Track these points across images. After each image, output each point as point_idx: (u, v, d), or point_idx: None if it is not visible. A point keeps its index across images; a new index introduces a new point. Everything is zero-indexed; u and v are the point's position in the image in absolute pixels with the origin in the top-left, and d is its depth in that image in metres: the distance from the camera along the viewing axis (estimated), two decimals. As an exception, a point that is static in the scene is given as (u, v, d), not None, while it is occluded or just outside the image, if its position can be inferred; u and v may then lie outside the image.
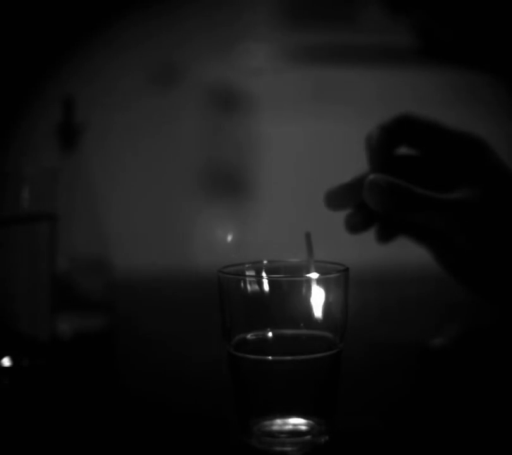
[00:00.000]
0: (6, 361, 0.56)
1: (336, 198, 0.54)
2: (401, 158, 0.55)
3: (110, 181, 1.85)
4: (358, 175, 0.53)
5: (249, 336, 0.44)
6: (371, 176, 0.50)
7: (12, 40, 1.89)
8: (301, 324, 0.44)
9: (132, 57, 2.01)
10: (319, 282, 0.43)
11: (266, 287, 0.43)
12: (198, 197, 2.06)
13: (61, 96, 0.72)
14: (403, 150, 0.56)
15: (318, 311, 0.44)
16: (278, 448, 0.43)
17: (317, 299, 0.43)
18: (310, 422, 0.44)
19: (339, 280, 0.44)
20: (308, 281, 0.43)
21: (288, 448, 0.43)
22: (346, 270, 0.45)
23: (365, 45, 2.02)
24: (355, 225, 0.54)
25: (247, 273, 0.46)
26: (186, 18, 2.01)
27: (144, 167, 2.04)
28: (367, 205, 0.51)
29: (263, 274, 0.46)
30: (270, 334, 0.44)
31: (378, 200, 0.49)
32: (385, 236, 0.57)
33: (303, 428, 0.44)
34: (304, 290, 0.43)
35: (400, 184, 0.49)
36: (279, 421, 0.44)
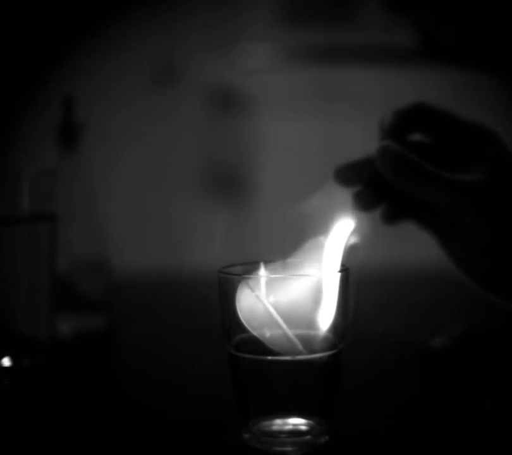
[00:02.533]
0: (6, 361, 0.56)
1: (345, 175, 0.55)
2: (412, 144, 0.55)
3: (110, 181, 1.86)
4: (368, 154, 0.54)
5: (249, 336, 0.44)
6: (384, 142, 0.50)
7: (12, 40, 1.89)
8: (301, 324, 0.44)
9: (131, 57, 2.01)
10: (319, 282, 0.43)
11: (266, 287, 0.43)
12: (198, 197, 2.05)
13: (61, 96, 0.72)
14: (416, 138, 0.56)
15: (318, 311, 0.44)
16: (278, 448, 0.43)
17: (317, 299, 0.43)
18: (310, 422, 0.44)
19: (339, 280, 0.44)
20: (308, 281, 0.43)
21: (288, 448, 0.43)
22: (346, 270, 0.45)
23: (365, 45, 2.02)
24: (362, 203, 0.55)
25: (247, 273, 0.46)
26: (185, 18, 2.01)
27: (143, 167, 2.04)
28: (376, 184, 0.52)
29: (263, 274, 0.46)
30: (270, 334, 0.44)
31: (388, 165, 0.50)
32: (392, 217, 0.57)
33: (303, 428, 0.44)
34: (304, 290, 0.43)
35: (410, 154, 0.50)
36: (279, 421, 0.44)
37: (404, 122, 0.55)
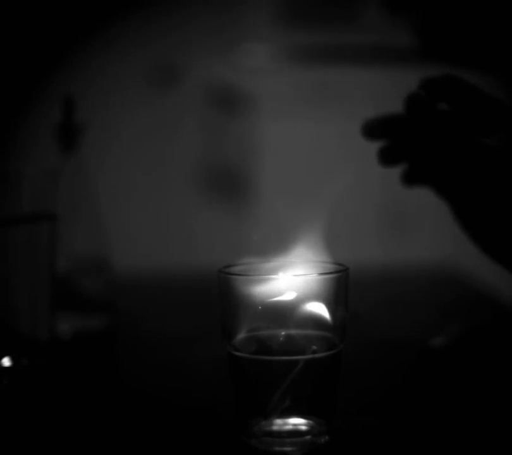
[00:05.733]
0: (6, 361, 0.56)
1: (372, 128, 0.57)
2: (437, 112, 0.56)
3: (110, 181, 1.86)
4: (396, 111, 0.56)
5: (249, 336, 0.44)
6: (413, 91, 0.53)
7: (13, 41, 1.89)
8: (302, 324, 0.44)
9: (133, 58, 2.01)
10: (319, 282, 0.43)
11: (266, 287, 0.43)
12: (198, 197, 2.06)
13: (61, 96, 0.72)
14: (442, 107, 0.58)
15: (318, 311, 0.44)
16: (278, 448, 0.43)
17: (317, 299, 0.43)
18: (310, 422, 0.44)
19: (339, 280, 0.44)
20: (308, 281, 0.43)
21: (288, 449, 0.43)
22: (346, 270, 0.45)
23: (364, 45, 2.02)
24: (386, 158, 0.57)
25: (247, 273, 0.46)
26: (187, 19, 2.01)
27: (144, 167, 2.04)
28: (401, 141, 0.55)
29: (263, 274, 0.46)
30: (269, 334, 0.44)
31: (415, 108, 0.53)
32: (411, 178, 0.59)
33: (303, 428, 0.44)
34: (304, 290, 0.43)
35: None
36: (279, 421, 0.44)
37: (433, 90, 0.56)
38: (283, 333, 0.44)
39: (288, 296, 0.43)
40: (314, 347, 0.43)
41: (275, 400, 0.43)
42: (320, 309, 0.44)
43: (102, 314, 0.72)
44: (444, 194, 0.59)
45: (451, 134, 0.54)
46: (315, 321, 0.44)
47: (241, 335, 0.44)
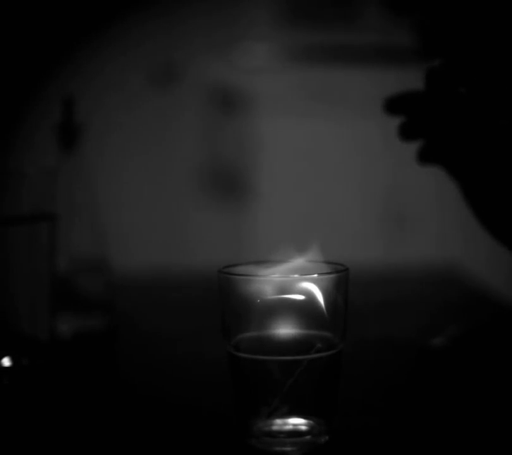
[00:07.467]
0: (6, 361, 0.56)
1: (393, 104, 0.59)
2: (455, 89, 0.57)
3: (110, 181, 1.86)
4: (416, 88, 0.57)
5: (249, 336, 0.44)
6: (433, 64, 0.56)
7: (13, 40, 1.89)
8: (301, 324, 0.44)
9: (132, 57, 2.01)
10: (319, 282, 0.43)
11: (266, 287, 0.43)
12: (198, 196, 2.06)
13: (61, 96, 0.72)
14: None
15: (318, 311, 0.44)
16: (278, 448, 0.43)
17: (317, 299, 0.43)
18: (310, 422, 0.44)
19: (339, 280, 0.44)
20: (308, 281, 0.43)
21: (288, 449, 0.43)
22: (346, 270, 0.45)
23: (364, 45, 2.02)
24: (405, 133, 0.59)
25: (247, 273, 0.46)
26: (186, 18, 2.01)
27: (144, 167, 2.04)
28: (419, 118, 0.56)
29: (264, 274, 0.46)
30: (270, 334, 0.44)
31: (434, 80, 0.55)
32: (426, 157, 0.60)
33: (303, 428, 0.44)
34: (304, 290, 0.43)
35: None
36: (279, 421, 0.44)
37: (452, 72, 0.57)
38: (283, 333, 0.44)
39: (295, 298, 0.43)
40: (319, 345, 0.43)
41: (277, 402, 0.43)
42: (318, 303, 0.44)
43: (102, 314, 0.72)
44: (456, 174, 0.59)
45: (468, 113, 0.54)
46: (315, 318, 0.44)
47: (242, 335, 0.44)
